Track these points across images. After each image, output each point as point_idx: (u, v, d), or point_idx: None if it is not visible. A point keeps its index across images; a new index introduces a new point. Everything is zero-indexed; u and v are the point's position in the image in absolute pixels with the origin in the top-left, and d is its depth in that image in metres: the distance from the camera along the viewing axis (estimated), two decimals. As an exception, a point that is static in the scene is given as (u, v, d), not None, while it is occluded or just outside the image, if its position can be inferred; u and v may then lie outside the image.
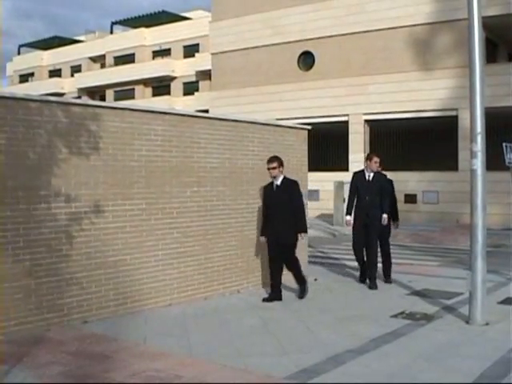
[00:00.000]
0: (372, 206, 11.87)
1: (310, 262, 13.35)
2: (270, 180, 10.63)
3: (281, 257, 10.49)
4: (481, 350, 7.53)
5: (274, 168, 10.42)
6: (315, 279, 12.53)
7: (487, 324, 8.66)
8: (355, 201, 12.12)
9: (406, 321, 9.02)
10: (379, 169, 12.29)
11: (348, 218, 12.23)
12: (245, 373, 6.63)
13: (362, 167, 12.53)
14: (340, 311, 9.73)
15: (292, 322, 9.00)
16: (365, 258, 12.08)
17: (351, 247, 12.31)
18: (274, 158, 10.48)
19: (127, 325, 8.69)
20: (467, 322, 8.79)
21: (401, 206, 30.39)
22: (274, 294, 10.46)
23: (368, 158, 12.20)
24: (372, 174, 12.05)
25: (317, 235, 21.83)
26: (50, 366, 6.74)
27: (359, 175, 12.20)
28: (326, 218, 27.71)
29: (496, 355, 7.24)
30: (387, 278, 12.35)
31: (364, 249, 12.04)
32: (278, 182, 10.51)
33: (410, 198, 30.98)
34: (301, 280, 10.76)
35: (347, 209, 12.26)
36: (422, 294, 11.07)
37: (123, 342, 7.78)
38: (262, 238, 10.63)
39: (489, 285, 10.60)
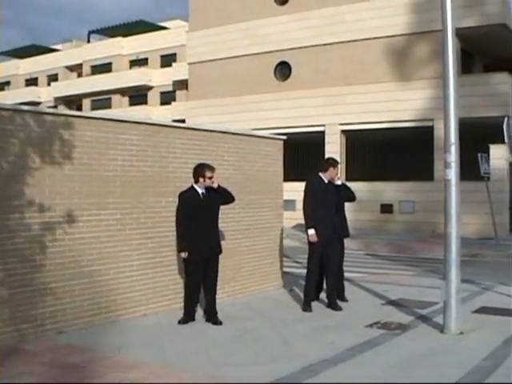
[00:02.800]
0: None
1: (285, 272, 13.35)
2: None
3: None
4: (455, 358, 7.55)
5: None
6: (290, 289, 12.54)
7: (462, 333, 8.69)
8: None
9: (381, 330, 9.04)
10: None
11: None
12: (219, 383, 6.61)
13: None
14: (315, 321, 9.73)
15: (267, 331, 8.99)
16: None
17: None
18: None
19: (102, 335, 8.63)
20: (442, 332, 8.82)
21: (377, 215, 31.00)
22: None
23: (331, 165, 10.95)
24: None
25: (293, 245, 21.85)
26: (23, 377, 6.68)
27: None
28: (302, 227, 27.55)
29: (471, 364, 7.27)
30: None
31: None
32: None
33: (387, 208, 31.14)
34: None
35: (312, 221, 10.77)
36: (397, 303, 11.10)
37: (98, 353, 7.73)
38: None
39: (464, 294, 10.71)
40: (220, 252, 9.80)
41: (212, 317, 9.59)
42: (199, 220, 9.42)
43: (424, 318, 9.80)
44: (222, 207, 9.92)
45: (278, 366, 7.17)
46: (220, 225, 9.98)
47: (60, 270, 8.74)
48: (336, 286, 11.05)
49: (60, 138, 8.73)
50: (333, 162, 11.02)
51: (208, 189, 9.56)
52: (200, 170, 9.55)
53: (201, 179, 9.51)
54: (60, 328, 8.71)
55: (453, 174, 8.78)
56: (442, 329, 8.87)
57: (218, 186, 9.59)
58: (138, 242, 9.88)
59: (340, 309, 10.61)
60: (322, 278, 11.11)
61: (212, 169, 9.59)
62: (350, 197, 11.46)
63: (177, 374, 6.91)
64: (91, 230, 9.19)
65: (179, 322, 9.50)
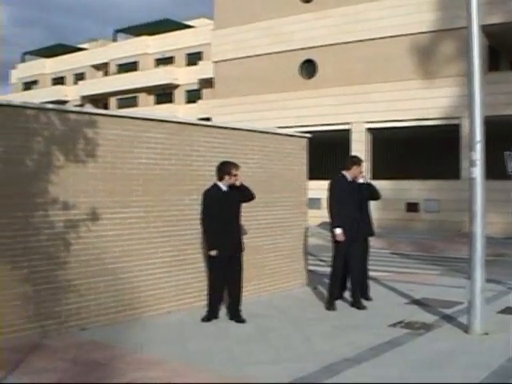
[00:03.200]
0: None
1: (309, 271, 13.32)
2: None
3: None
4: (479, 359, 7.48)
5: None
6: (315, 288, 12.51)
7: (486, 333, 8.61)
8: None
9: (404, 330, 8.98)
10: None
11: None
12: (240, 381, 6.61)
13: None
14: (338, 320, 9.70)
15: (289, 330, 8.97)
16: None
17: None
18: None
19: (125, 332, 8.67)
20: (466, 332, 8.74)
21: (402, 214, 30.83)
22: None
23: (356, 163, 10.91)
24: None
25: (318, 243, 21.80)
26: (46, 373, 6.72)
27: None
28: (327, 226, 27.44)
29: (495, 364, 7.20)
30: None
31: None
32: None
33: (412, 207, 30.98)
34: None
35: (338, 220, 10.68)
36: (421, 302, 11.03)
37: (120, 350, 7.76)
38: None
39: (489, 294, 10.62)
40: (243, 249, 9.80)
41: (235, 315, 9.59)
42: (223, 217, 9.44)
43: (448, 318, 9.72)
44: (245, 205, 9.92)
45: (300, 365, 7.15)
46: (244, 223, 9.98)
47: (84, 268, 8.79)
48: (360, 284, 11.01)
49: (84, 137, 8.78)
50: (356, 160, 10.97)
51: (230, 186, 9.57)
52: (226, 168, 9.55)
53: (226, 177, 9.51)
54: (83, 325, 8.77)
55: (478, 172, 8.69)
56: (466, 329, 8.79)
57: (241, 183, 9.59)
58: (162, 240, 9.90)
59: (364, 308, 10.56)
60: (346, 276, 11.07)
61: (237, 166, 9.61)
62: (374, 195, 11.39)
63: (198, 372, 6.91)
64: (115, 227, 9.23)
65: (202, 320, 9.51)
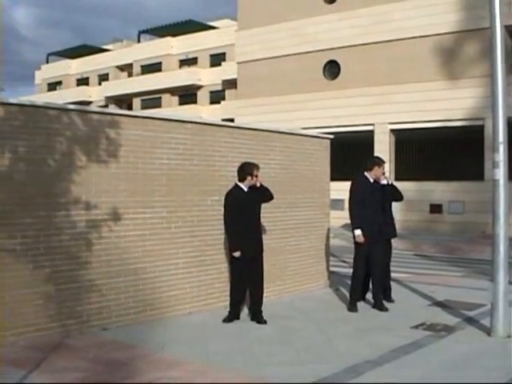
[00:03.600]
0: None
1: (332, 272, 13.29)
2: None
3: None
4: (502, 362, 7.41)
5: None
6: (336, 289, 12.48)
7: (509, 336, 8.52)
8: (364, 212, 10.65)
9: (426, 332, 8.93)
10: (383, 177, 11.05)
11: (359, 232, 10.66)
12: (262, 381, 6.60)
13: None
14: (360, 321, 9.67)
15: (311, 331, 8.96)
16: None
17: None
18: None
19: (146, 332, 8.70)
20: (489, 334, 8.67)
21: (426, 215, 30.68)
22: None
23: (377, 164, 10.89)
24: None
25: (340, 245, 21.75)
26: (67, 372, 6.76)
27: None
28: (350, 227, 27.39)
29: (518, 368, 7.15)
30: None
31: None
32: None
33: (436, 208, 30.80)
34: None
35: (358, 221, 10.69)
36: (443, 304, 10.96)
37: (141, 350, 7.79)
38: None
39: (512, 296, 10.52)
40: (263, 250, 9.79)
41: (257, 316, 9.59)
42: (246, 218, 9.44)
43: (471, 320, 9.65)
44: (267, 206, 9.91)
45: (322, 366, 7.13)
46: (266, 224, 9.99)
47: (105, 268, 8.83)
48: (382, 286, 10.97)
49: (106, 137, 8.82)
50: (378, 161, 10.92)
51: (250, 187, 9.58)
52: (248, 169, 9.55)
53: (248, 177, 9.52)
54: (105, 324, 8.81)
55: (501, 173, 8.62)
56: (489, 331, 8.72)
57: (260, 184, 9.60)
58: (184, 240, 9.92)
59: (386, 309, 10.52)
60: (368, 278, 11.03)
61: (258, 167, 9.64)
62: (397, 196, 11.32)
63: (219, 372, 6.92)
64: (137, 227, 9.26)
65: (224, 321, 9.51)
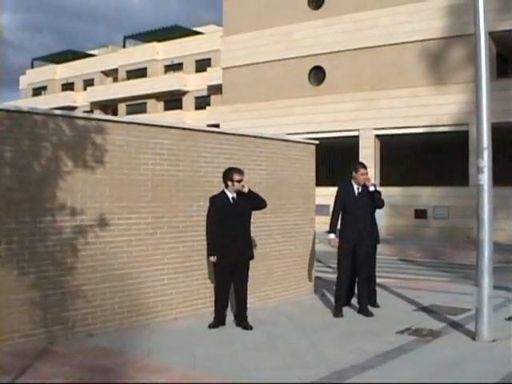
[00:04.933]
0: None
1: (317, 277, 13.31)
2: None
3: None
4: (487, 366, 7.46)
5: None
6: (322, 294, 12.49)
7: (494, 340, 8.56)
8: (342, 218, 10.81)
9: (412, 337, 8.95)
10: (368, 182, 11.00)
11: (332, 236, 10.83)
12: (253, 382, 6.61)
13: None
14: (345, 327, 9.68)
15: (297, 337, 8.96)
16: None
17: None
18: None
19: (132, 338, 8.67)
20: (474, 339, 8.70)
21: (411, 221, 30.76)
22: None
23: (354, 170, 10.88)
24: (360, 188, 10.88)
25: (326, 250, 21.73)
26: (53, 379, 6.73)
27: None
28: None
29: (503, 372, 7.16)
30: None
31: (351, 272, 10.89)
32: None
33: (421, 214, 30.93)
34: None
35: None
36: (429, 309, 11.00)
37: (127, 356, 7.76)
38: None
39: (498, 301, 10.60)
40: (251, 257, 9.76)
41: (242, 321, 9.58)
42: (229, 224, 9.37)
43: (456, 325, 9.68)
44: (254, 211, 9.89)
45: (307, 372, 7.14)
46: (251, 229, 9.94)
47: (91, 273, 8.80)
48: (367, 291, 10.99)
49: (92, 142, 8.80)
50: (355, 167, 10.93)
51: (239, 194, 9.54)
52: (228, 174, 9.54)
53: (229, 183, 9.50)
54: (90, 330, 8.77)
55: (485, 179, 8.66)
56: (474, 336, 8.75)
57: (249, 190, 9.56)
58: (169, 246, 9.91)
59: (371, 315, 10.53)
60: (353, 283, 11.05)
61: (240, 172, 9.56)
62: (378, 203, 11.29)
63: (205, 378, 6.91)
64: (122, 233, 9.24)
65: (209, 326, 9.49)
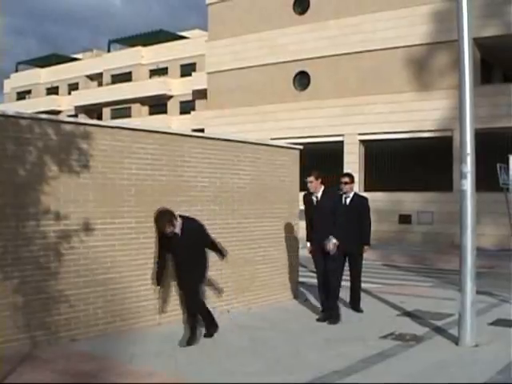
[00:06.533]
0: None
1: (300, 282, 13.31)
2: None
3: None
4: (470, 371, 7.48)
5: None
6: (305, 300, 12.50)
7: (477, 345, 8.60)
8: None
9: (395, 342, 8.97)
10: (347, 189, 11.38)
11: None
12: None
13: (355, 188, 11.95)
14: (329, 332, 9.69)
15: (280, 342, 8.95)
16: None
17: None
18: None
19: (115, 343, 8.64)
20: (457, 344, 8.73)
21: (395, 226, 30.84)
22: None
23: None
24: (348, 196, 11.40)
25: (309, 255, 21.73)
26: (35, 385, 6.71)
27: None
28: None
29: (485, 376, 7.20)
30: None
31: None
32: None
33: (405, 219, 31.02)
34: None
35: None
36: (412, 314, 11.02)
37: (110, 361, 7.74)
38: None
39: (481, 306, 10.63)
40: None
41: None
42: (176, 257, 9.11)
43: (439, 330, 9.72)
44: (237, 216, 9.85)
45: (290, 377, 7.13)
46: (235, 234, 9.90)
47: (74, 278, 8.76)
48: (353, 297, 11.31)
49: (76, 147, 8.77)
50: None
51: (183, 229, 8.97)
52: (159, 225, 8.93)
53: (167, 229, 8.85)
54: (73, 336, 8.73)
55: (468, 184, 8.70)
56: (456, 341, 8.78)
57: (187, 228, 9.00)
58: (153, 251, 9.85)
59: (335, 323, 10.33)
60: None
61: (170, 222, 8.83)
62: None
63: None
64: (106, 238, 9.21)
65: (210, 335, 9.34)
